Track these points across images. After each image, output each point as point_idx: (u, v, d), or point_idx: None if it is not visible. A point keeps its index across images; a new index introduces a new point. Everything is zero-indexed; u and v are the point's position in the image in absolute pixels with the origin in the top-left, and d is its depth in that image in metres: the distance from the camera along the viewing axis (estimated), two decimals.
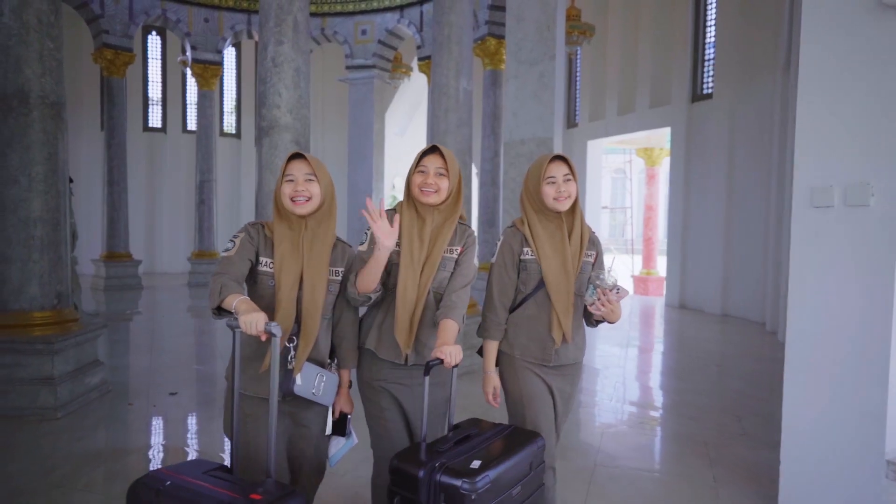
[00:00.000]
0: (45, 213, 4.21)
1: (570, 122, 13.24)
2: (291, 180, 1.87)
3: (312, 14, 12.43)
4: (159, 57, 14.82)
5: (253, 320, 1.62)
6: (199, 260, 12.36)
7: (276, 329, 1.62)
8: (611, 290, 2.01)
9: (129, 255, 11.56)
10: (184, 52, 12.49)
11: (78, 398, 4.31)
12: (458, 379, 1.99)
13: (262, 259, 1.89)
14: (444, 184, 1.99)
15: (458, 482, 1.58)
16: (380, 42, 12.13)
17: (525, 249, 2.14)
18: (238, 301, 1.68)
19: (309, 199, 1.87)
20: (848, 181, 2.44)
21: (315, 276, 1.87)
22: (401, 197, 2.35)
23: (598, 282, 2.03)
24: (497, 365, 2.22)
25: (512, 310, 2.18)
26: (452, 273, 2.05)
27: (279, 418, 1.78)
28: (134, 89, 13.78)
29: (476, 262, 2.09)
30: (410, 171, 2.03)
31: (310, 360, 1.89)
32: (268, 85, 4.50)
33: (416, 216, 2.01)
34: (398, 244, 1.98)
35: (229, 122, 16.15)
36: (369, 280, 1.89)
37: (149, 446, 3.78)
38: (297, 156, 1.91)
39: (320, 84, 15.18)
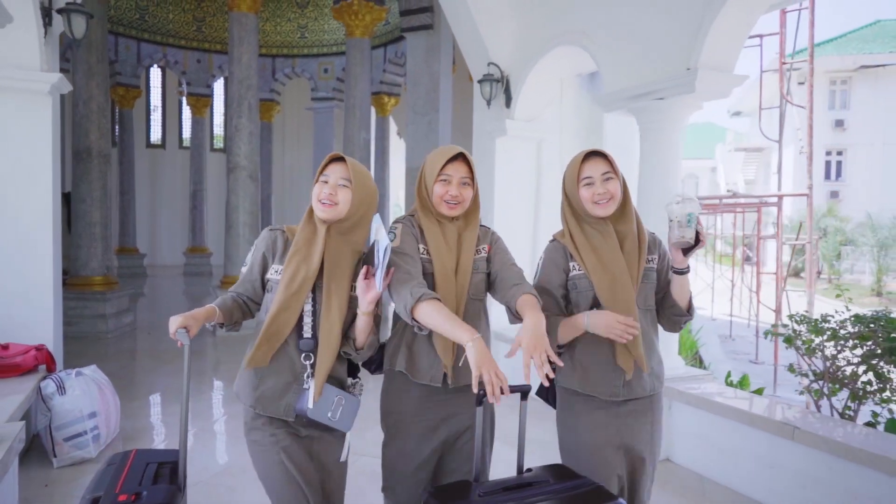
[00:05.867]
0: (100, 219, 7.16)
1: None
2: (326, 181, 1.70)
3: (285, 55, 15.38)
4: (160, 86, 17.75)
5: (171, 323, 1.58)
6: (192, 254, 15.28)
7: (182, 337, 1.57)
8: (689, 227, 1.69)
9: (136, 250, 14.46)
10: (180, 85, 15.41)
11: (118, 329, 7.28)
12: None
13: (274, 266, 1.74)
14: (469, 194, 1.80)
15: None
16: (338, 79, 15.05)
17: (572, 264, 1.83)
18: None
19: (335, 204, 1.68)
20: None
21: (334, 292, 1.68)
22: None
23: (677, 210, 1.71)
24: (554, 403, 1.89)
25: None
26: (494, 265, 1.84)
27: (297, 440, 1.71)
28: (138, 111, 16.65)
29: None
30: (428, 177, 1.80)
31: (328, 379, 1.70)
32: (232, 142, 7.47)
33: (437, 223, 1.81)
34: (427, 251, 1.78)
35: (218, 138, 19.05)
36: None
37: (159, 350, 6.71)
38: (337, 158, 1.73)
39: (296, 111, 18.11)
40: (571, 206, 1.85)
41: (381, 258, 1.58)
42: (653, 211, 3.56)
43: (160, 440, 4.00)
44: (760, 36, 6.17)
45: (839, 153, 26.18)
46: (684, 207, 1.70)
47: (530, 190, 5.43)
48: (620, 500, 1.50)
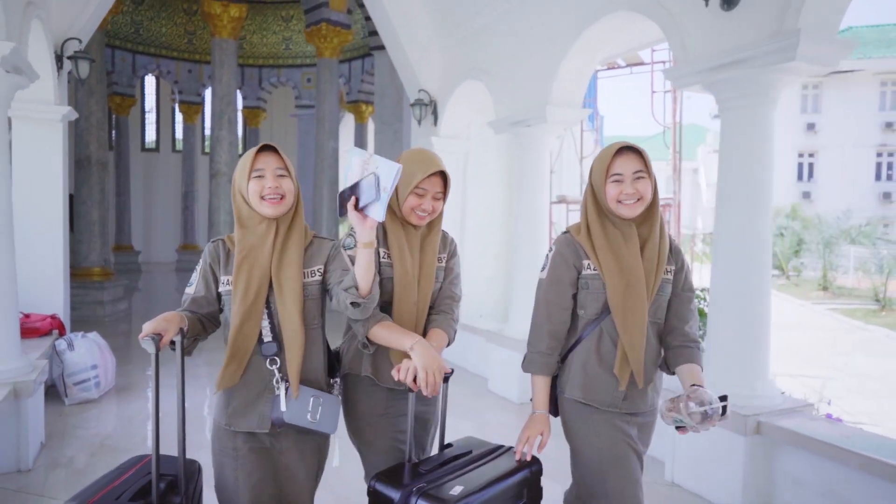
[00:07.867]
0: (99, 218, 8.26)
1: None
2: (260, 176, 1.60)
3: (271, 66, 16.47)
4: (154, 92, 18.84)
5: (144, 327, 1.55)
6: (184, 251, 16.38)
7: (146, 345, 1.57)
8: (709, 418, 1.48)
9: (132, 247, 15.56)
10: (173, 93, 16.49)
11: (115, 314, 8.40)
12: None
13: (223, 279, 1.67)
14: (440, 206, 1.80)
15: None
16: None
17: (585, 262, 1.72)
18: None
19: (282, 197, 1.61)
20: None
21: (286, 284, 1.62)
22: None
23: (693, 411, 1.48)
24: (556, 412, 1.79)
25: (572, 341, 1.75)
26: (444, 281, 1.86)
27: (260, 454, 1.64)
28: (134, 117, 17.72)
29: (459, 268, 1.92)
30: (401, 185, 1.70)
31: (304, 382, 1.63)
32: (214, 151, 8.59)
33: (401, 227, 1.77)
34: (388, 255, 1.74)
35: (209, 141, 20.15)
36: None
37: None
38: (266, 148, 1.62)
39: (281, 117, 19.20)
40: (597, 202, 1.73)
41: (390, 184, 1.49)
42: (522, 212, 4.69)
43: (152, 390, 5.10)
44: (653, 62, 7.27)
45: (811, 155, 27.40)
46: (695, 416, 1.49)
47: (457, 198, 6.53)
48: (538, 462, 1.72)
